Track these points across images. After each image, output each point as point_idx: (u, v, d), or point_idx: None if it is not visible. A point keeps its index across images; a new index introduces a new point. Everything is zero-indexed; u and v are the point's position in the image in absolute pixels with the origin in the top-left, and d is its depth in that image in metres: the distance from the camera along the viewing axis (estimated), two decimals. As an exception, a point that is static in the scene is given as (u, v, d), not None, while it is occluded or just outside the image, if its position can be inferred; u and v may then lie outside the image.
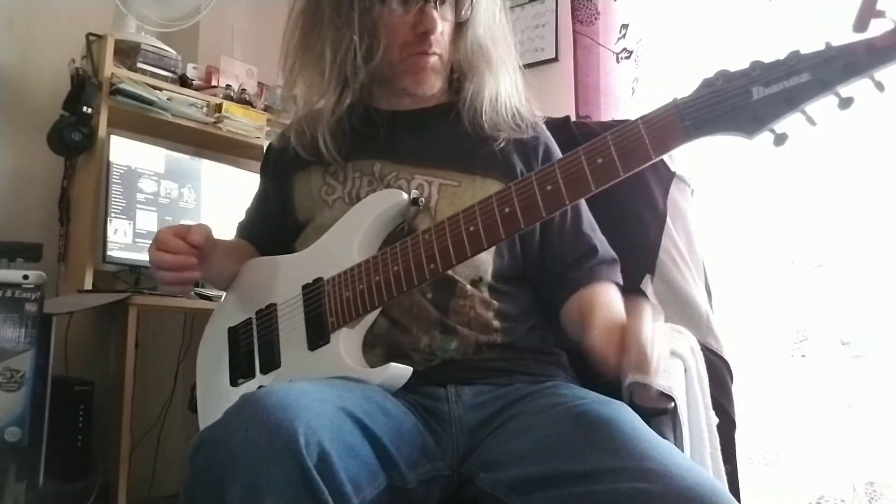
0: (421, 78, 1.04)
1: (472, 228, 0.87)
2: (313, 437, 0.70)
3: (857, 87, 0.70)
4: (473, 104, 1.05)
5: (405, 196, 0.98)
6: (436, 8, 1.01)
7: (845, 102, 0.70)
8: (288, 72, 1.09)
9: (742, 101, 0.74)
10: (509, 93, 1.07)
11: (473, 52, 1.05)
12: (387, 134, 1.07)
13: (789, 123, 0.73)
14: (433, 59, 1.04)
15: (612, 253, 1.11)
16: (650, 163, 0.79)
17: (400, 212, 0.99)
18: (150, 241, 1.05)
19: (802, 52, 0.72)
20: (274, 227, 1.17)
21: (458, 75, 1.09)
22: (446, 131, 1.06)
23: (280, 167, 1.15)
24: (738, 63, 0.75)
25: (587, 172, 0.81)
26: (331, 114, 1.06)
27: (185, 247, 1.01)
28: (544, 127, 1.14)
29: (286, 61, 1.09)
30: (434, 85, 1.06)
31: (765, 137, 0.74)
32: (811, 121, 0.72)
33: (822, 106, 0.72)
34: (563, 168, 0.83)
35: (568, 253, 1.06)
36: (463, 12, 1.04)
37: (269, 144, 1.25)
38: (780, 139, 0.74)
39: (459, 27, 1.06)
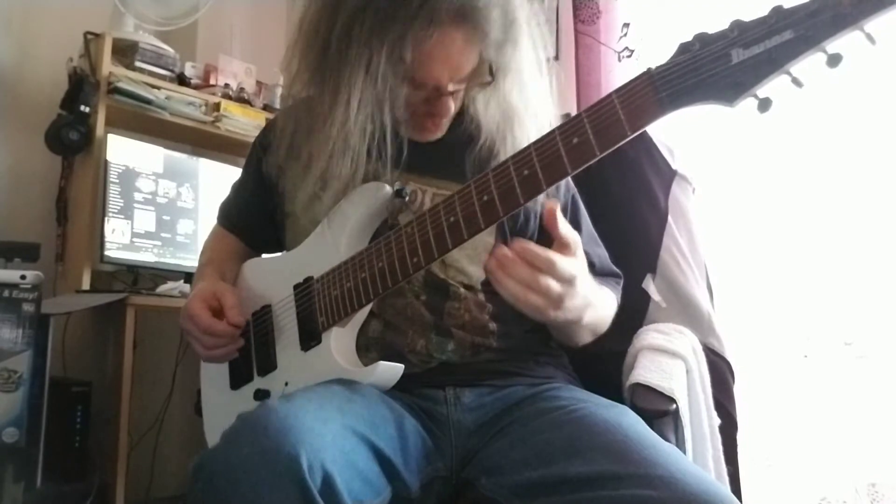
0: (425, 135, 1.01)
1: (452, 219, 0.84)
2: (316, 460, 0.69)
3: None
4: (481, 149, 0.98)
5: (388, 188, 0.96)
6: (451, 95, 0.94)
7: (833, 59, 0.65)
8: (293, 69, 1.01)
9: (720, 67, 0.68)
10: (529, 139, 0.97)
11: (494, 108, 0.98)
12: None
13: (776, 86, 0.68)
14: (443, 122, 1.00)
15: (611, 268, 1.09)
16: (626, 140, 0.74)
17: (384, 204, 0.97)
18: (190, 303, 1.01)
19: (785, 6, 0.66)
20: (264, 214, 1.15)
21: (471, 117, 1.00)
22: (449, 141, 1.03)
23: (280, 147, 1.11)
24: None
25: (563, 154, 0.77)
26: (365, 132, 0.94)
27: (230, 330, 0.99)
28: None
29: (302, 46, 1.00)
30: (436, 136, 1.02)
31: (748, 104, 0.69)
32: (797, 82, 0.67)
33: (819, 77, 0.66)
34: (539, 150, 0.79)
35: None
36: (484, 79, 0.95)
37: (271, 121, 1.21)
38: (763, 105, 0.68)
39: (477, 78, 0.95)
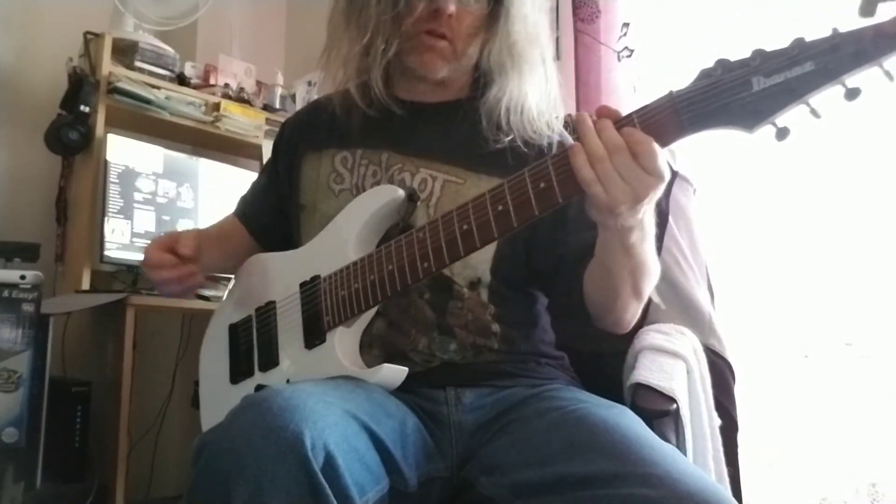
0: (425, 59, 1.01)
1: (465, 227, 0.84)
2: (319, 439, 0.69)
3: (865, 76, 0.67)
4: (497, 106, 1.01)
5: (401, 192, 0.97)
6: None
7: (852, 93, 0.67)
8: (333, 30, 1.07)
9: (741, 93, 0.70)
10: (539, 98, 1.03)
11: (502, 52, 1.01)
12: (400, 124, 1.05)
13: (793, 116, 0.70)
14: (441, 44, 1.00)
15: None
16: None
17: (395, 208, 0.97)
18: (146, 247, 1.06)
19: (807, 39, 0.69)
20: (275, 209, 1.17)
21: (486, 74, 1.04)
22: (460, 127, 1.04)
23: (293, 143, 1.15)
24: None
25: None
26: (380, 58, 1.01)
27: (175, 261, 1.02)
28: (561, 126, 1.08)
29: (332, 20, 1.07)
30: (440, 70, 1.02)
31: (767, 132, 0.71)
32: (815, 113, 0.69)
33: (829, 98, 0.69)
34: (556, 164, 0.79)
35: (587, 239, 0.94)
36: (489, 3, 1.00)
37: (285, 121, 1.24)
38: (781, 133, 0.70)
39: (489, 22, 1.01)
